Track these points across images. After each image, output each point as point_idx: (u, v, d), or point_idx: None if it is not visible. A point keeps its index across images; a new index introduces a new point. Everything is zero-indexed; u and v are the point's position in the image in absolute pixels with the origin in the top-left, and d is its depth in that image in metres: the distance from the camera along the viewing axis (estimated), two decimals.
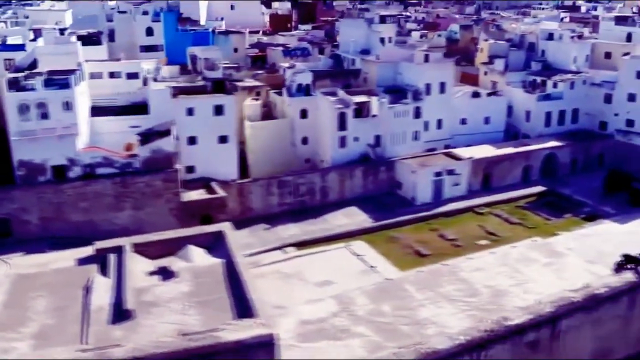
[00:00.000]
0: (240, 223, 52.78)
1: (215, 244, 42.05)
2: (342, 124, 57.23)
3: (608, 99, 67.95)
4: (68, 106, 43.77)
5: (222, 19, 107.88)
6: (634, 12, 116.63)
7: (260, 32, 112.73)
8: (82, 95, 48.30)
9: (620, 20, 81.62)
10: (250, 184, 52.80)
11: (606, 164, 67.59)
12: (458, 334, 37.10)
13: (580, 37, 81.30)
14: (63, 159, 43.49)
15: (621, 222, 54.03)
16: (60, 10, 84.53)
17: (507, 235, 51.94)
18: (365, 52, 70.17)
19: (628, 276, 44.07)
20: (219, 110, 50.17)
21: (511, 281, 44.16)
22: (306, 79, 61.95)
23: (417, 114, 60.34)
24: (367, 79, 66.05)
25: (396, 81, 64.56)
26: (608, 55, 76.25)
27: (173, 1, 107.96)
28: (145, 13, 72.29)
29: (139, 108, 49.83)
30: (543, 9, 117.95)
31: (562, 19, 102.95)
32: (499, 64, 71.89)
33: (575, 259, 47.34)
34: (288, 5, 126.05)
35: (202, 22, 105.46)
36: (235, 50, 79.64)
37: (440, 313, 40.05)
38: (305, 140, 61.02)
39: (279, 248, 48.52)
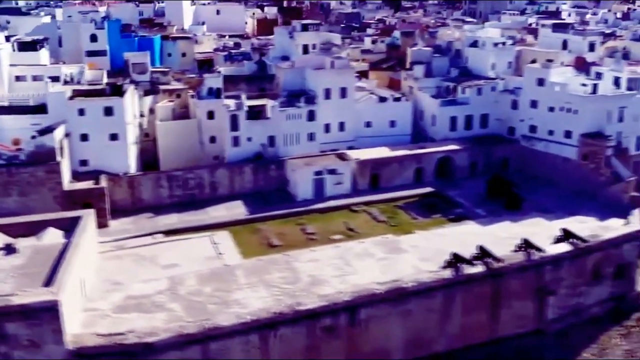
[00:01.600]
0: (129, 212, 59.53)
1: (73, 227, 48.59)
2: (234, 125, 62.56)
3: (515, 105, 69.91)
4: None
5: (203, 23, 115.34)
6: (617, 18, 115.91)
7: (244, 35, 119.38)
8: None
9: (557, 28, 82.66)
10: (140, 177, 59.05)
11: (511, 168, 69.84)
12: (247, 314, 42.05)
13: (517, 42, 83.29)
14: None
15: (483, 225, 56.77)
16: (37, 17, 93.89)
17: (366, 231, 55.82)
18: (286, 58, 74.93)
19: (444, 274, 47.44)
20: (108, 111, 56.56)
21: (336, 272, 48.22)
22: (216, 83, 67.57)
23: (311, 116, 64.90)
24: (278, 84, 70.88)
25: (304, 86, 69.32)
26: (534, 61, 77.81)
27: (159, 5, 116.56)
28: (92, 21, 79.78)
29: (42, 108, 57.01)
30: (513, 14, 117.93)
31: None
32: (418, 69, 74.84)
33: (410, 256, 50.75)
34: (275, 9, 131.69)
35: (186, 27, 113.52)
36: (184, 54, 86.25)
37: (251, 296, 44.78)
38: (213, 139, 66.48)
39: (150, 234, 54.65)
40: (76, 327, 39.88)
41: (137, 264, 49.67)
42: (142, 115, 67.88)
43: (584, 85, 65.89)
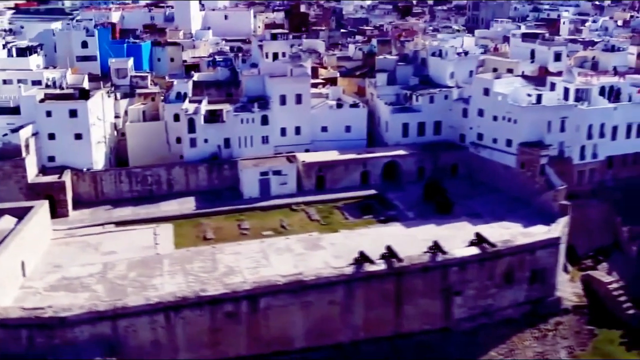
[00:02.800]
0: (91, 204, 65.84)
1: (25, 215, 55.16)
2: (191, 127, 67.99)
3: (466, 113, 72.49)
4: None
5: (209, 28, 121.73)
6: (618, 26, 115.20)
7: (247, 40, 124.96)
8: None
9: (526, 37, 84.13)
10: (102, 172, 65.30)
11: (460, 174, 72.61)
12: (155, 297, 47.22)
13: (487, 52, 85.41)
14: None
15: (407, 226, 60.15)
16: (48, 22, 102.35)
17: (296, 229, 60.11)
18: (254, 65, 79.74)
19: (346, 270, 51.25)
20: (73, 113, 62.94)
21: (251, 265, 52.79)
22: (184, 88, 73.31)
23: (265, 121, 69.56)
24: (242, 90, 75.87)
25: (264, 92, 74.00)
26: (495, 70, 79.89)
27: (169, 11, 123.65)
28: (85, 28, 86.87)
29: (18, 109, 64.11)
30: (502, 21, 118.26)
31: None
32: (380, 77, 78.24)
33: (325, 253, 54.69)
34: (282, 14, 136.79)
35: (193, 31, 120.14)
36: (172, 59, 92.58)
37: (168, 282, 49.88)
38: (179, 140, 71.91)
39: (102, 225, 60.75)
40: (7, 302, 46.24)
41: (81, 250, 55.77)
42: (117, 117, 74.58)
43: (529, 95, 68.08)
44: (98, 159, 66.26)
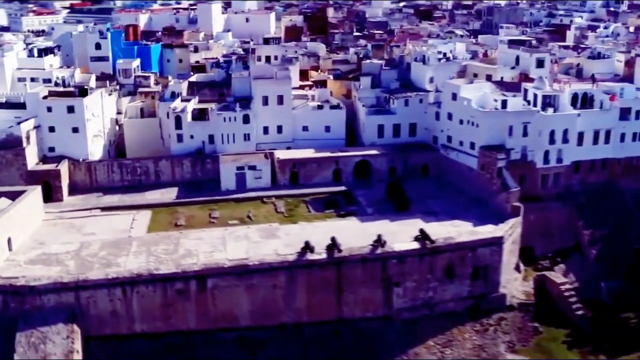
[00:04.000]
0: (85, 191, 73.07)
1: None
2: (178, 124, 74.09)
3: (438, 116, 75.57)
4: None
5: (229, 30, 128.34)
6: (630, 32, 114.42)
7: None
8: None
9: (512, 44, 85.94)
10: (96, 163, 72.37)
11: (431, 174, 75.84)
12: (114, 273, 53.30)
13: (475, 57, 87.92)
14: None
15: (362, 221, 64.20)
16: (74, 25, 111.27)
17: (260, 219, 65.19)
18: (247, 67, 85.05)
19: (288, 257, 55.88)
20: (70, 109, 70.20)
21: (209, 249, 58.20)
22: (178, 88, 79.63)
23: (246, 119, 74.86)
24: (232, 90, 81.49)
25: (250, 93, 79.36)
26: (475, 75, 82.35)
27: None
28: (99, 32, 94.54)
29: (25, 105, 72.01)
30: (508, 28, 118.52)
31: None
32: (364, 80, 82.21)
33: (278, 242, 59.35)
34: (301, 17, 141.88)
35: (214, 33, 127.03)
36: (180, 60, 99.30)
37: (132, 261, 55.91)
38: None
39: (89, 209, 67.64)
40: None
41: (65, 231, 62.76)
42: (119, 113, 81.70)
43: (495, 100, 70.63)
44: (94, 151, 73.45)
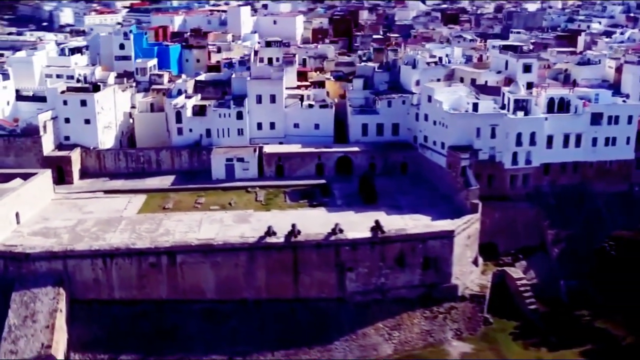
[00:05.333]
0: (95, 175, 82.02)
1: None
2: (178, 119, 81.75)
3: (418, 117, 79.67)
4: None
5: (255, 32, 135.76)
6: None
7: (287, 44, 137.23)
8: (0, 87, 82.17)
9: (503, 49, 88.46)
10: (105, 151, 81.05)
11: (409, 171, 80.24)
12: (97, 245, 61.08)
13: (469, 62, 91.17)
14: None
15: (329, 211, 69.77)
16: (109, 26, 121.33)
17: (239, 206, 71.72)
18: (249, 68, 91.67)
19: (249, 239, 62.00)
20: (83, 103, 79.12)
21: (184, 229, 65.33)
22: (184, 86, 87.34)
23: (240, 116, 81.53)
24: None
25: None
26: (462, 79, 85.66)
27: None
28: (124, 33, 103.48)
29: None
30: (518, 32, 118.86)
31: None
32: (357, 82, 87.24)
33: (247, 226, 65.60)
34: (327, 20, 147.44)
35: (242, 34, 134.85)
36: (198, 60, 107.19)
37: (117, 236, 63.72)
38: None
39: (93, 192, 76.20)
40: None
41: (68, 209, 71.51)
42: (133, 107, 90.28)
43: (468, 103, 74.22)
44: (105, 140, 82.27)
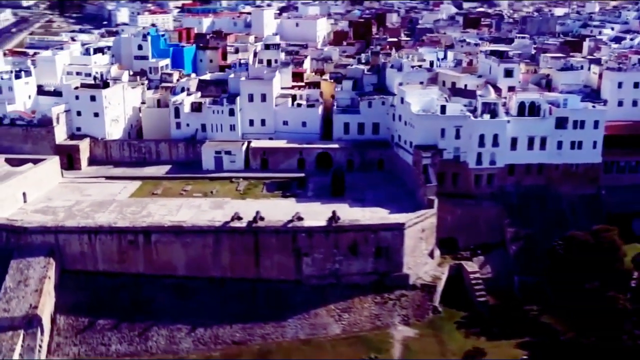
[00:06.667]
0: (101, 163, 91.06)
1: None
2: (177, 114, 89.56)
3: (394, 117, 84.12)
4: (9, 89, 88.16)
5: (276, 34, 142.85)
6: None
7: (305, 45, 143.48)
8: (22, 83, 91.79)
9: (488, 55, 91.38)
10: (111, 141, 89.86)
11: (385, 168, 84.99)
12: (85, 223, 69.28)
13: (463, 66, 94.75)
14: (0, 114, 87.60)
15: (298, 202, 75.86)
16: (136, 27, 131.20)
17: (220, 195, 78.54)
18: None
19: (216, 223, 68.59)
20: (92, 98, 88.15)
21: (164, 212, 72.79)
22: (187, 84, 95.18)
23: (232, 113, 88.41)
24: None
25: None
26: (444, 83, 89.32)
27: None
28: (142, 35, 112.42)
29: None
30: (523, 37, 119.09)
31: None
32: (346, 83, 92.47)
33: (220, 212, 72.40)
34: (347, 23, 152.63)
35: (265, 36, 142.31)
36: (211, 61, 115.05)
37: (104, 216, 71.91)
38: None
39: (96, 177, 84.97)
40: (5, 215, 71.82)
41: (70, 191, 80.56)
42: (143, 103, 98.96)
43: (437, 105, 78.22)
44: (112, 132, 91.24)
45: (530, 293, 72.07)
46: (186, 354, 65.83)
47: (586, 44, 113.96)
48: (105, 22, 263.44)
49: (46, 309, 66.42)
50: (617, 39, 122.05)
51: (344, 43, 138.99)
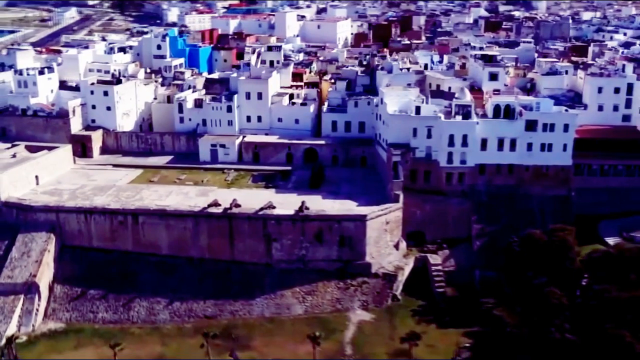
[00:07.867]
0: (112, 152, 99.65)
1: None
2: (180, 109, 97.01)
3: (377, 116, 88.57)
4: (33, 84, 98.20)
5: (297, 35, 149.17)
6: None
7: (323, 47, 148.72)
8: (45, 78, 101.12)
9: (478, 58, 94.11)
10: (121, 133, 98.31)
11: (368, 164, 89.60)
12: (82, 204, 77.40)
13: (456, 69, 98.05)
14: (24, 106, 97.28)
15: (277, 192, 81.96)
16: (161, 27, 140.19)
17: (209, 184, 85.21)
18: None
19: (195, 208, 75.20)
20: (105, 93, 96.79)
21: (155, 197, 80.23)
22: (193, 82, 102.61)
23: (229, 109, 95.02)
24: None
25: None
26: (430, 85, 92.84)
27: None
28: (162, 37, 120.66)
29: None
30: (528, 42, 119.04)
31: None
32: (340, 84, 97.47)
33: (203, 199, 79.00)
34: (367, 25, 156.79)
35: (286, 37, 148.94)
36: (225, 60, 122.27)
37: (101, 199, 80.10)
38: None
39: (104, 165, 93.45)
40: (17, 195, 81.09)
41: (79, 176, 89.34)
42: (155, 98, 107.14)
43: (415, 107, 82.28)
44: (123, 124, 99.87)
45: (489, 287, 75.23)
46: (162, 324, 72.99)
47: (591, 49, 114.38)
48: (158, 21, 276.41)
49: (44, 278, 75.16)
50: (627, 45, 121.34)
51: (361, 45, 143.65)
